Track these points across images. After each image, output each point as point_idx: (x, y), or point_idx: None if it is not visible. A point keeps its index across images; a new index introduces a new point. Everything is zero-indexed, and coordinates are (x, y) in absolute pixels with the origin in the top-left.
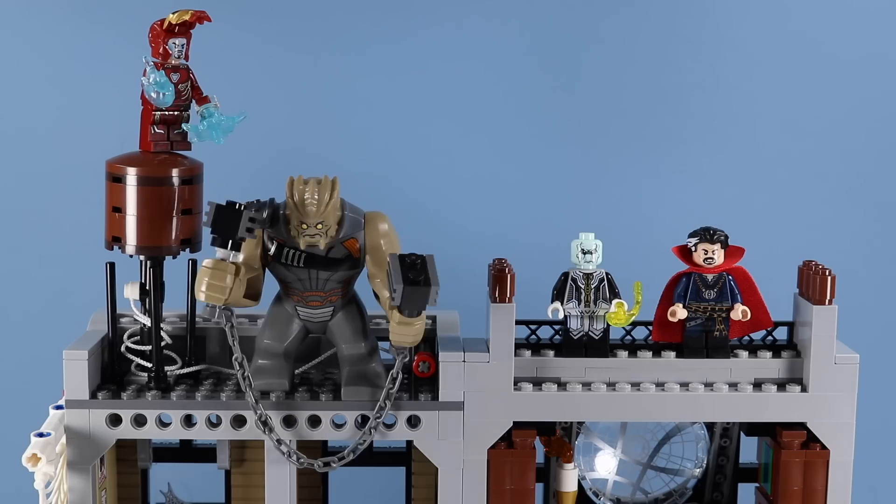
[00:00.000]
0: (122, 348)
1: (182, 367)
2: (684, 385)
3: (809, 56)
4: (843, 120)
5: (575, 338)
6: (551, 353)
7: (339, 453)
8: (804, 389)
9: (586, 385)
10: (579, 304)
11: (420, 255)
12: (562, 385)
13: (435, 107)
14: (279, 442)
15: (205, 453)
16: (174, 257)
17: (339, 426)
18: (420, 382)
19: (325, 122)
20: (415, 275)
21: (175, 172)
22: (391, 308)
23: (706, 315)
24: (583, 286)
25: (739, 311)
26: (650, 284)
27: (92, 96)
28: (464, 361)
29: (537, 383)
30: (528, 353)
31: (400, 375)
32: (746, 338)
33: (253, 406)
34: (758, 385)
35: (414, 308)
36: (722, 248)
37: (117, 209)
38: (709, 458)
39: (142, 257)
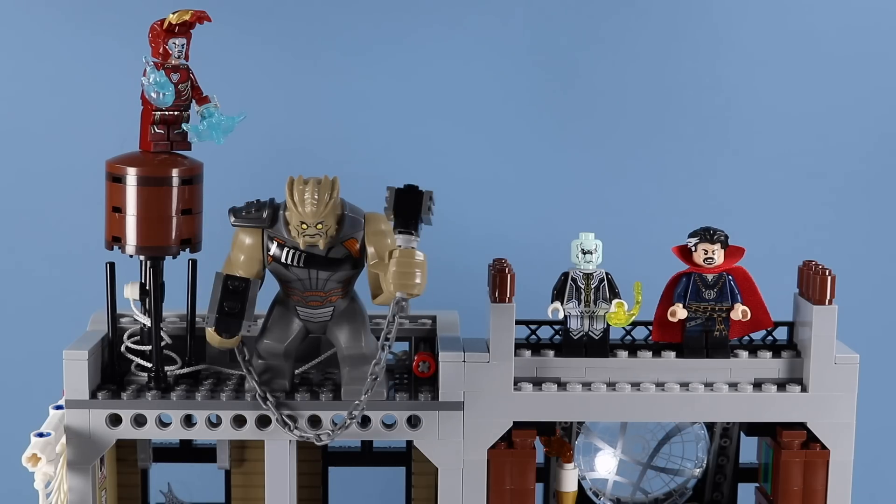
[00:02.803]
0: (122, 348)
1: (182, 367)
2: (684, 385)
3: (809, 55)
4: (843, 119)
5: (575, 338)
6: (551, 353)
7: (338, 459)
8: (804, 389)
9: (586, 385)
10: (579, 304)
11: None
12: (562, 385)
13: (435, 107)
14: (278, 407)
15: (205, 453)
16: (174, 257)
17: (339, 426)
18: (420, 382)
19: (325, 122)
20: (409, 188)
21: (175, 172)
22: (388, 252)
23: (706, 315)
24: (583, 286)
25: (739, 311)
26: (650, 284)
27: (92, 96)
28: (464, 361)
29: (537, 383)
30: (528, 353)
31: (396, 320)
32: (746, 338)
33: (255, 387)
34: (758, 385)
35: (407, 216)
36: (722, 248)
37: (117, 209)
38: (709, 458)
39: (142, 257)
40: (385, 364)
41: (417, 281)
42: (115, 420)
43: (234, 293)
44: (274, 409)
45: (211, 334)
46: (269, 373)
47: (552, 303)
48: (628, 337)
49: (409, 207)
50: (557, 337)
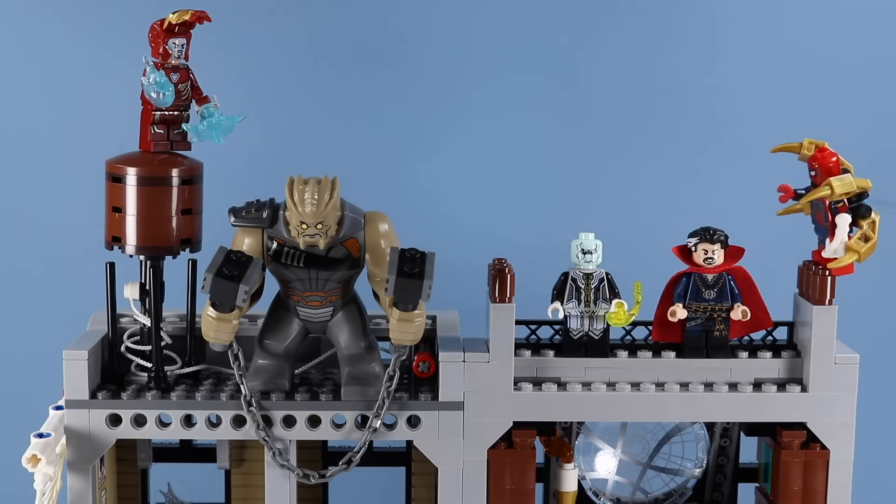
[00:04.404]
0: (122, 348)
1: (182, 367)
2: (684, 385)
3: (809, 56)
4: (842, 119)
5: (575, 338)
6: (551, 353)
7: (337, 459)
8: (804, 389)
9: (586, 385)
10: (579, 304)
11: (420, 251)
12: (562, 385)
13: (434, 106)
14: (280, 454)
15: (205, 453)
16: (174, 257)
17: (338, 426)
18: (420, 382)
19: (326, 123)
20: (410, 267)
21: (175, 172)
22: (390, 306)
23: (706, 315)
24: (583, 286)
25: (739, 311)
26: (650, 284)
27: (92, 96)
28: (464, 361)
29: (537, 383)
30: (528, 353)
31: (397, 374)
32: (746, 338)
33: (265, 440)
34: (758, 385)
35: (406, 301)
36: (722, 248)
37: (117, 209)
38: (709, 458)
39: (142, 257)
40: (386, 412)
41: (413, 339)
42: (115, 420)
43: (236, 263)
44: (279, 462)
45: (205, 328)
46: (269, 373)
47: (552, 303)
48: (628, 337)
49: (409, 293)
50: (557, 337)
